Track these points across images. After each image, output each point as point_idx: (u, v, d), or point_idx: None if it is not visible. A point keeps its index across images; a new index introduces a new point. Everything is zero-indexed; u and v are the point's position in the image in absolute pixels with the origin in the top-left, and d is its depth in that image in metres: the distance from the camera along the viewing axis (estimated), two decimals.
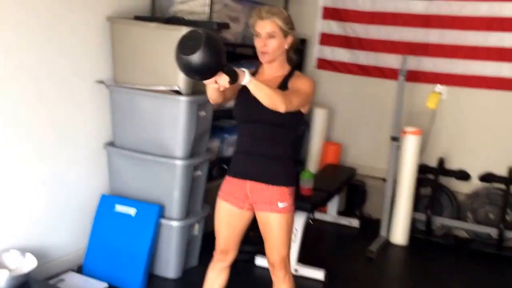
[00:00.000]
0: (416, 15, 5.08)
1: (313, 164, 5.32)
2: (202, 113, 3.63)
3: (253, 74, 2.88)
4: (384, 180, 5.21)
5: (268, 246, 2.85)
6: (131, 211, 3.62)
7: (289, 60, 2.86)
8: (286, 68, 2.83)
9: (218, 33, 3.69)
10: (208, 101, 3.58)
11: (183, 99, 3.45)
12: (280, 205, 2.76)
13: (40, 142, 3.38)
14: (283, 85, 2.74)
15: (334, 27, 5.40)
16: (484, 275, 4.42)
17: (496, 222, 4.85)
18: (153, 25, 3.45)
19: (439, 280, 4.22)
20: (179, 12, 3.95)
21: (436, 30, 5.03)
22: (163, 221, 3.62)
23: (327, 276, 3.93)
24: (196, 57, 2.20)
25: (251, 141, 2.82)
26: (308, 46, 5.49)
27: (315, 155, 5.34)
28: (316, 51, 5.51)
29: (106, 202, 3.70)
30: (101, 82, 3.66)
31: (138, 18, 3.75)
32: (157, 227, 3.60)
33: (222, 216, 2.91)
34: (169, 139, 3.55)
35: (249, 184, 2.81)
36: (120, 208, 3.65)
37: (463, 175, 5.06)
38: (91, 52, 3.62)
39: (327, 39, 5.45)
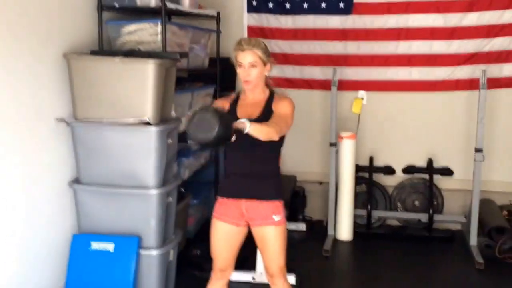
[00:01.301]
0: (334, 30, 5.12)
1: None
2: (170, 141, 3.40)
3: (237, 98, 2.88)
4: (320, 183, 5.25)
5: (267, 258, 2.83)
6: (109, 246, 3.30)
7: (267, 84, 2.90)
8: (267, 92, 2.88)
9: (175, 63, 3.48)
10: (174, 128, 3.43)
11: (153, 129, 3.20)
12: (275, 218, 2.78)
13: (3, 189, 2.97)
14: (267, 109, 2.80)
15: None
16: (418, 255, 4.59)
17: (421, 209, 5.07)
18: (117, 59, 3.17)
19: (383, 266, 4.36)
20: (127, 43, 3.69)
21: (353, 42, 5.12)
22: (142, 251, 3.33)
23: (297, 279, 3.86)
24: (213, 136, 2.32)
25: (243, 163, 2.80)
26: None
27: None
28: None
29: (79, 241, 3.33)
30: (62, 120, 3.31)
31: (94, 52, 3.45)
32: (138, 258, 3.32)
33: (220, 236, 2.86)
34: (141, 169, 3.28)
35: (244, 203, 2.78)
36: (96, 245, 3.31)
37: (389, 170, 5.20)
38: (49, 90, 3.24)
39: None
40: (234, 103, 2.86)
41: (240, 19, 5.30)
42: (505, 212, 4.74)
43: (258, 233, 2.79)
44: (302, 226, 5.04)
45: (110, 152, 3.28)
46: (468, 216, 4.70)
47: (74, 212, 3.45)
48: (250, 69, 2.75)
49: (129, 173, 3.29)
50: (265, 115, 2.74)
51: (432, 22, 4.97)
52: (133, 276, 3.25)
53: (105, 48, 3.67)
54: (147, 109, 3.19)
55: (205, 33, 4.43)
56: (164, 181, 3.38)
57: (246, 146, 2.69)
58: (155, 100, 3.20)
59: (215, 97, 4.78)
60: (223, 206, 2.83)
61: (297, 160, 5.32)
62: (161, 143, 3.27)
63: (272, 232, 2.76)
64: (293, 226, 5.01)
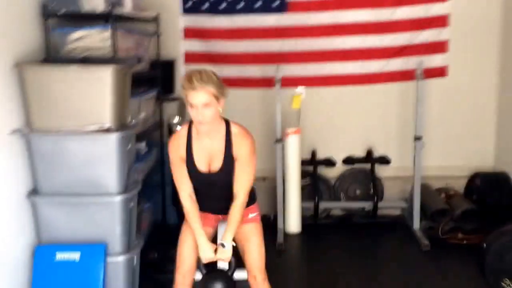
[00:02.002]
0: (270, 28, 5.43)
1: None
2: (129, 146, 3.55)
3: (189, 137, 2.89)
4: (264, 179, 5.52)
5: (249, 257, 3.00)
6: (75, 255, 3.41)
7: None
8: (221, 125, 2.86)
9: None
10: (132, 134, 3.58)
11: (114, 135, 3.33)
12: (251, 215, 3.03)
13: None
14: (227, 155, 2.84)
15: (197, 46, 5.52)
16: (365, 241, 5.01)
17: (362, 197, 5.50)
18: (74, 67, 3.28)
19: (333, 254, 4.70)
20: (75, 50, 3.78)
21: (289, 40, 5.45)
22: (108, 258, 3.45)
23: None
24: None
25: (211, 194, 2.98)
26: (176, 66, 5.54)
27: None
28: (182, 70, 5.59)
29: (43, 252, 3.40)
30: (18, 131, 3.37)
31: (46, 61, 3.52)
32: (105, 266, 3.45)
33: (191, 237, 2.97)
34: (104, 176, 3.40)
35: (221, 216, 3.05)
36: (61, 255, 3.40)
37: (330, 162, 5.58)
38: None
39: (192, 58, 5.54)
40: (188, 147, 2.86)
41: (176, 20, 5.48)
42: (443, 195, 5.24)
43: (239, 233, 2.98)
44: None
45: (70, 161, 3.37)
46: (409, 201, 5.16)
47: (33, 224, 3.51)
48: (203, 109, 2.66)
49: (91, 181, 3.40)
50: (227, 167, 2.83)
51: (364, 17, 5.40)
52: (102, 284, 3.38)
53: (52, 56, 3.74)
54: (107, 115, 3.32)
55: (147, 37, 4.59)
56: (126, 187, 3.53)
57: (211, 189, 2.92)
58: (115, 106, 3.33)
59: (158, 99, 4.95)
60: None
61: None
62: (122, 149, 3.41)
63: (250, 228, 2.98)
64: None
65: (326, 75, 5.52)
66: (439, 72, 5.50)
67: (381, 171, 5.55)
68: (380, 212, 5.31)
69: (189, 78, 2.67)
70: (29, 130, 3.36)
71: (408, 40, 5.44)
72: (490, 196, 5.14)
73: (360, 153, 5.59)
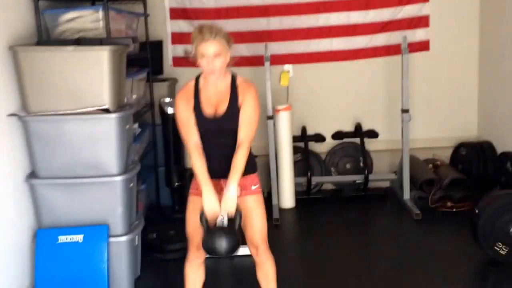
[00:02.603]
0: (256, 7, 5.36)
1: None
2: (127, 126, 3.49)
3: (197, 87, 2.89)
4: (255, 156, 5.49)
5: (251, 230, 2.96)
6: (78, 237, 3.35)
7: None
8: (228, 77, 2.88)
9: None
10: (130, 114, 3.52)
11: (113, 116, 3.27)
12: (253, 187, 2.96)
13: None
14: (233, 102, 2.82)
15: (183, 26, 5.42)
16: (358, 213, 5.07)
17: (353, 171, 5.52)
18: (71, 48, 3.19)
19: (327, 227, 4.72)
20: (66, 31, 3.69)
21: (275, 18, 5.40)
22: (111, 239, 3.41)
23: None
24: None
25: (215, 146, 2.89)
26: (165, 46, 5.45)
27: None
28: (170, 50, 5.51)
29: (45, 236, 3.34)
30: (14, 114, 3.28)
31: (40, 43, 3.42)
32: (108, 246, 3.41)
33: (197, 212, 2.90)
34: (104, 157, 3.33)
35: (222, 181, 2.90)
36: (64, 238, 3.35)
37: (320, 138, 5.58)
38: None
39: (178, 38, 5.45)
40: (196, 96, 2.86)
41: (162, 1, 5.38)
42: (430, 165, 5.29)
43: (240, 204, 2.97)
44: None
45: (70, 143, 3.30)
46: (399, 173, 5.20)
47: (33, 207, 3.44)
48: (214, 59, 2.72)
49: (91, 162, 3.34)
50: (232, 111, 2.80)
51: None
52: (107, 265, 3.34)
53: (44, 38, 3.64)
54: (105, 96, 3.25)
55: (135, 17, 4.50)
56: (126, 167, 3.47)
57: (217, 137, 2.84)
58: (112, 87, 3.26)
59: (148, 81, 4.87)
60: None
61: None
62: (121, 130, 3.35)
63: (252, 200, 2.94)
64: None
65: (312, 52, 5.49)
66: (422, 46, 5.51)
67: (370, 145, 5.57)
68: (370, 185, 5.33)
69: (200, 30, 2.74)
70: (25, 113, 3.28)
71: (391, 16, 5.43)
72: (476, 164, 5.20)
73: (348, 127, 5.59)
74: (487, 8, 5.37)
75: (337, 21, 5.43)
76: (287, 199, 5.11)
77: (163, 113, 4.95)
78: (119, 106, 3.40)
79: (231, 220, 2.75)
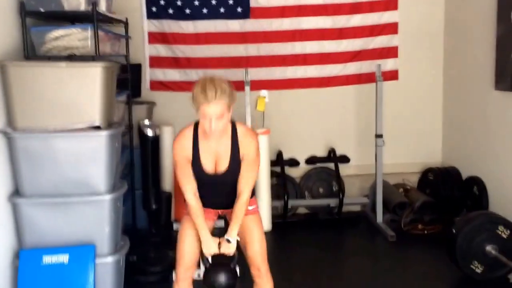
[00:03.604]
0: (234, 33, 5.36)
1: (168, 180, 5.23)
2: (116, 145, 3.37)
3: (196, 136, 2.79)
4: None
5: (251, 250, 2.89)
6: (63, 258, 3.18)
7: None
8: (228, 126, 2.76)
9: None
10: (119, 132, 3.41)
11: (104, 133, 3.15)
12: (250, 208, 2.93)
13: None
14: (234, 157, 2.77)
15: (162, 50, 5.35)
16: (333, 236, 5.02)
17: (326, 195, 5.51)
18: (63, 64, 3.07)
19: (305, 250, 4.66)
20: (53, 49, 3.56)
21: (252, 44, 5.40)
22: (97, 260, 3.25)
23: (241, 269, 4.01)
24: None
25: (214, 193, 2.87)
26: (143, 70, 5.35)
27: (168, 171, 5.25)
28: (148, 74, 5.41)
29: (29, 256, 3.15)
30: (1, 131, 3.12)
31: (29, 59, 3.28)
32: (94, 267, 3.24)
33: (190, 233, 2.85)
34: (92, 175, 3.19)
35: (220, 211, 2.96)
36: (48, 258, 3.17)
37: (294, 162, 5.56)
38: None
39: (157, 62, 5.38)
40: (195, 146, 2.76)
41: (140, 25, 5.31)
42: (401, 190, 5.34)
43: (240, 227, 2.88)
44: (220, 223, 5.18)
45: (58, 161, 3.15)
46: (371, 196, 5.22)
47: (15, 227, 3.25)
48: (217, 121, 2.59)
49: (79, 180, 3.19)
50: (233, 167, 2.75)
51: (322, 24, 5.44)
52: (93, 286, 3.17)
53: (30, 55, 3.50)
54: (96, 113, 3.14)
55: (118, 39, 4.40)
56: (114, 186, 3.34)
57: (216, 187, 2.82)
58: (104, 104, 3.16)
59: (128, 104, 4.75)
60: None
61: None
62: (111, 147, 3.23)
63: (250, 220, 2.87)
64: None
65: (288, 78, 5.51)
66: (391, 75, 5.61)
67: (341, 169, 5.57)
68: (343, 209, 5.32)
69: (203, 89, 2.56)
70: (12, 130, 3.12)
71: (363, 45, 5.52)
72: (443, 189, 5.26)
73: (321, 152, 5.60)
74: (450, 46, 5.52)
75: (312, 49, 5.48)
76: (264, 222, 5.00)
77: (142, 135, 4.82)
78: (109, 124, 3.28)
79: (229, 258, 2.80)
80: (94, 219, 3.24)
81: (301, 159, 5.59)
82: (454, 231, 3.86)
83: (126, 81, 4.67)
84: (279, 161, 5.38)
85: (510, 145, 4.45)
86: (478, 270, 3.80)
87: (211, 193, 2.85)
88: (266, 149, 5.00)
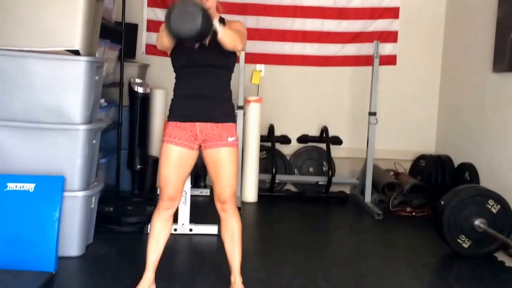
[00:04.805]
0: (233, 3, 5.15)
1: (156, 144, 4.99)
2: (96, 78, 3.13)
3: None
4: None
5: (220, 182, 2.64)
6: (29, 186, 2.92)
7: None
8: (217, 17, 2.62)
9: None
10: (100, 65, 3.18)
11: (83, 59, 2.92)
12: (230, 139, 2.64)
13: None
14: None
15: (160, 14, 5.16)
16: (319, 212, 4.74)
17: (316, 174, 5.26)
18: None
19: (287, 222, 4.40)
20: None
21: (252, 17, 5.19)
22: (66, 193, 3.00)
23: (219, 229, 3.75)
24: (198, 27, 2.21)
25: (195, 85, 2.61)
26: (139, 33, 5.15)
27: (157, 134, 5.01)
28: (144, 37, 5.20)
29: None
30: None
31: None
32: (62, 199, 2.98)
33: (172, 160, 2.59)
34: (68, 103, 2.96)
35: (198, 125, 2.60)
36: (13, 185, 2.92)
37: (286, 140, 5.32)
38: None
39: (154, 26, 5.16)
40: None
41: None
42: (391, 173, 5.08)
43: (213, 155, 2.62)
44: (206, 192, 4.94)
45: (31, 85, 2.93)
46: (360, 177, 4.96)
47: None
48: None
49: (54, 107, 2.96)
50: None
51: (323, 2, 5.24)
52: (59, 217, 2.91)
53: None
54: (76, 37, 2.91)
55: None
56: (90, 120, 3.10)
57: (198, 69, 2.56)
58: (85, 29, 2.93)
59: (120, 57, 4.54)
60: (176, 129, 2.59)
61: None
62: (90, 76, 2.99)
63: (226, 153, 2.61)
64: (197, 192, 4.89)
65: (285, 54, 5.29)
66: (389, 60, 5.37)
67: (333, 151, 5.27)
68: (332, 189, 5.04)
69: None
70: None
71: (363, 27, 5.31)
72: (434, 175, 4.98)
73: (314, 132, 5.35)
74: (450, 31, 5.29)
75: (312, 27, 5.27)
76: (250, 193, 4.78)
77: (132, 93, 4.62)
78: (90, 53, 3.05)
79: None
80: (66, 149, 3.00)
81: (293, 137, 5.35)
82: (442, 202, 3.59)
83: (120, 35, 4.47)
84: (270, 136, 5.14)
85: (503, 130, 4.19)
86: (465, 245, 3.52)
87: (192, 77, 2.58)
88: (257, 117, 4.76)
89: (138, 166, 4.63)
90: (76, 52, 2.91)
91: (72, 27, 2.88)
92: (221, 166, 2.62)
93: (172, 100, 2.65)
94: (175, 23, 2.21)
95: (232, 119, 2.68)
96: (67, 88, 2.95)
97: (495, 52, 4.29)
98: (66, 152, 3.00)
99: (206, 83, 2.59)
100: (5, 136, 2.95)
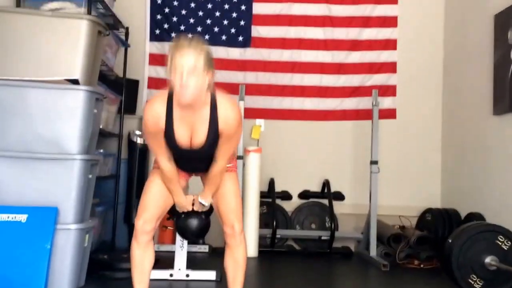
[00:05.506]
0: (233, 60, 5.35)
1: None
2: (95, 111, 3.19)
3: (171, 106, 2.38)
4: None
5: (225, 210, 2.62)
6: (21, 217, 2.89)
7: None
8: (207, 100, 2.39)
9: None
10: (101, 99, 3.24)
11: (83, 88, 3.00)
12: (228, 165, 2.63)
13: None
14: (213, 131, 2.40)
15: (161, 72, 5.33)
16: (322, 268, 4.58)
17: (317, 229, 5.18)
18: (48, 12, 3.00)
19: (289, 278, 4.18)
20: None
21: (251, 72, 5.36)
22: (59, 226, 2.96)
23: (217, 274, 3.65)
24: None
25: (189, 166, 2.67)
26: (140, 89, 5.28)
27: None
28: (145, 94, 5.33)
29: None
30: None
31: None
32: (55, 232, 2.93)
33: (158, 184, 2.57)
34: (65, 133, 3.00)
35: (194, 174, 2.76)
36: (5, 216, 2.89)
37: (287, 195, 5.29)
38: None
39: (155, 83, 5.32)
40: (169, 114, 2.36)
41: (143, 46, 5.32)
42: (396, 226, 4.99)
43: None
44: (204, 248, 4.84)
45: (28, 114, 2.99)
46: (365, 231, 4.87)
47: None
48: (190, 76, 2.20)
49: (50, 137, 3.00)
50: (211, 141, 2.42)
51: (322, 57, 5.42)
52: (50, 250, 2.85)
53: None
54: (76, 67, 3.01)
55: (115, 41, 4.37)
56: (87, 150, 3.12)
57: (194, 162, 2.61)
58: (86, 59, 3.04)
59: (119, 111, 4.63)
60: None
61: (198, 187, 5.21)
62: (89, 107, 3.05)
63: (227, 177, 2.60)
64: (195, 248, 4.79)
65: (284, 109, 5.40)
66: (389, 114, 5.46)
67: (335, 207, 5.24)
68: (335, 244, 4.94)
69: (177, 40, 2.29)
70: None
71: (361, 82, 5.45)
72: (441, 229, 4.90)
73: (315, 187, 5.34)
74: (449, 79, 5.42)
75: (310, 82, 5.41)
76: (250, 248, 4.62)
77: (131, 144, 4.67)
78: (90, 84, 3.13)
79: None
80: (61, 180, 3.00)
81: (294, 193, 5.32)
82: (449, 241, 3.52)
83: (121, 86, 4.59)
84: (270, 191, 5.11)
85: (509, 174, 4.19)
86: (477, 285, 3.41)
87: (185, 164, 2.60)
88: (257, 168, 4.77)
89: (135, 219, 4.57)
90: (75, 82, 2.99)
91: (73, 57, 2.99)
92: (224, 193, 2.61)
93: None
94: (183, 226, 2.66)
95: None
96: (65, 118, 3.00)
97: (494, 95, 4.39)
98: (61, 183, 2.99)
99: (200, 163, 2.59)
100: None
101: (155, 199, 2.58)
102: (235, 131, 2.42)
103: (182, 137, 2.40)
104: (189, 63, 2.18)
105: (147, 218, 2.53)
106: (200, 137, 2.40)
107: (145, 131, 2.47)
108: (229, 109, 2.40)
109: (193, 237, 2.76)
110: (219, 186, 2.60)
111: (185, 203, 2.59)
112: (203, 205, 2.60)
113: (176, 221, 2.66)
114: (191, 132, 2.40)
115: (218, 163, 2.51)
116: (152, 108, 2.38)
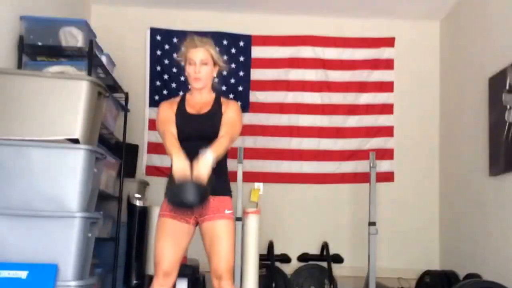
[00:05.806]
0: None
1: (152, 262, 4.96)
2: (95, 170, 3.30)
3: (184, 100, 2.91)
4: None
5: (216, 257, 2.70)
6: (22, 274, 2.93)
7: (212, 87, 3.01)
8: (213, 94, 2.97)
9: None
10: (101, 159, 3.37)
11: (83, 147, 3.12)
12: (227, 212, 2.78)
13: None
14: (216, 106, 2.90)
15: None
16: None
17: None
18: (49, 74, 3.17)
19: None
20: None
21: (250, 137, 5.52)
22: (58, 283, 2.99)
23: None
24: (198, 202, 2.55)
25: (195, 152, 2.71)
26: (140, 153, 5.42)
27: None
28: (144, 159, 5.47)
29: None
30: None
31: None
32: None
33: (168, 234, 2.70)
34: (65, 191, 3.05)
35: None
36: (5, 272, 2.93)
37: (286, 258, 5.32)
38: None
39: (155, 148, 5.47)
40: (182, 103, 2.93)
41: (143, 111, 5.51)
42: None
43: (209, 228, 2.72)
44: None
45: (29, 173, 3.03)
46: None
47: None
48: (201, 66, 2.82)
49: (50, 195, 3.05)
50: (215, 111, 2.85)
51: (319, 122, 5.61)
52: None
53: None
54: (77, 127, 3.12)
55: (115, 106, 4.53)
56: (87, 208, 3.20)
57: (197, 139, 2.75)
58: (86, 119, 3.15)
59: (119, 174, 4.74)
60: None
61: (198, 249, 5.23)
62: (89, 165, 3.16)
63: (223, 226, 2.71)
64: None
65: (283, 173, 5.53)
66: (387, 177, 5.59)
67: (335, 270, 5.27)
68: None
69: (191, 38, 2.88)
70: None
71: (359, 146, 5.61)
72: None
73: (314, 249, 5.37)
74: (445, 142, 5.58)
75: (308, 146, 5.57)
76: None
77: (131, 207, 4.73)
78: (90, 143, 3.25)
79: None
80: (61, 237, 3.03)
81: (293, 256, 5.36)
82: None
83: (121, 150, 4.71)
84: (269, 254, 5.13)
85: (506, 234, 4.24)
86: None
87: (190, 143, 2.73)
88: (256, 230, 4.80)
89: (134, 282, 4.59)
90: (76, 141, 3.11)
91: (73, 117, 3.10)
92: (218, 240, 2.69)
93: (169, 176, 2.79)
94: (175, 198, 2.57)
95: (229, 193, 2.82)
96: (65, 176, 3.08)
97: (490, 156, 4.50)
98: (61, 240, 3.04)
99: (203, 143, 2.70)
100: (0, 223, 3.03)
101: (169, 245, 2.76)
102: (235, 113, 2.90)
103: (192, 108, 2.90)
104: (202, 57, 2.83)
105: (167, 269, 2.71)
106: (205, 109, 2.89)
107: (159, 116, 2.92)
108: (230, 101, 3.00)
109: (189, 200, 2.54)
110: (213, 231, 2.68)
111: (183, 162, 2.58)
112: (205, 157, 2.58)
113: (171, 189, 2.59)
114: (199, 107, 2.90)
115: (221, 137, 2.76)
116: (166, 104, 3.00)
